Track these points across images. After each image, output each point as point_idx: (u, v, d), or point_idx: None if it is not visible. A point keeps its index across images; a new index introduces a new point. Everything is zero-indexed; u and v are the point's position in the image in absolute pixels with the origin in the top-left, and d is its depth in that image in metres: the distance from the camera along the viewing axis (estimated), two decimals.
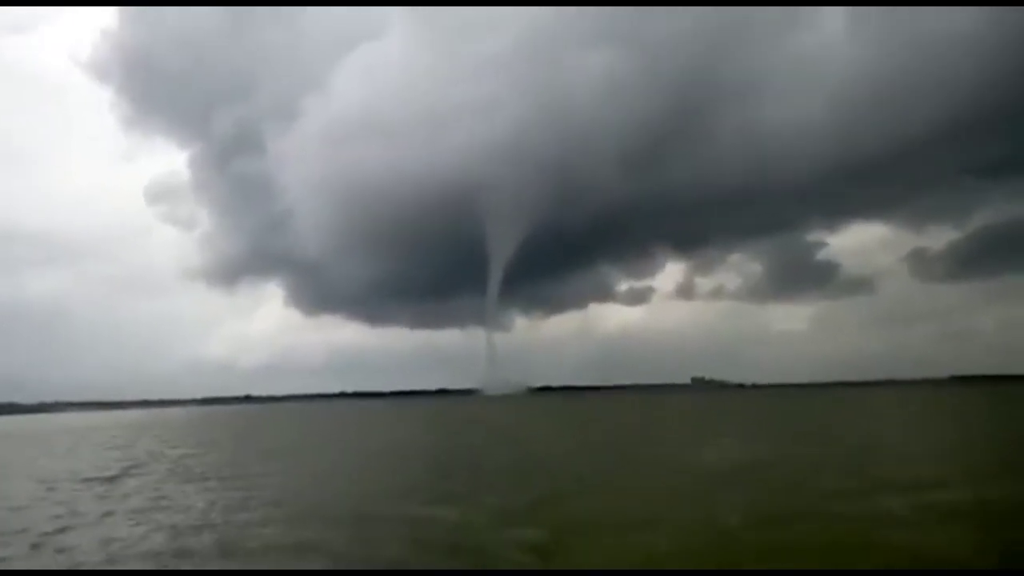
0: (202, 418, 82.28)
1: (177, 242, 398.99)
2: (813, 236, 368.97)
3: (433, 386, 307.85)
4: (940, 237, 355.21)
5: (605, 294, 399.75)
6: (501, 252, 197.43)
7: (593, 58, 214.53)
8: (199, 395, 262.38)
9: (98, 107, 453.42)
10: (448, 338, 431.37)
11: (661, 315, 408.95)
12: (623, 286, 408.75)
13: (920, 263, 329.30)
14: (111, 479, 19.11)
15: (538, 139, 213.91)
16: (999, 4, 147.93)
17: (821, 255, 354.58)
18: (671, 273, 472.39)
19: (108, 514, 13.21)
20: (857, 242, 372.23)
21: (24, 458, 29.46)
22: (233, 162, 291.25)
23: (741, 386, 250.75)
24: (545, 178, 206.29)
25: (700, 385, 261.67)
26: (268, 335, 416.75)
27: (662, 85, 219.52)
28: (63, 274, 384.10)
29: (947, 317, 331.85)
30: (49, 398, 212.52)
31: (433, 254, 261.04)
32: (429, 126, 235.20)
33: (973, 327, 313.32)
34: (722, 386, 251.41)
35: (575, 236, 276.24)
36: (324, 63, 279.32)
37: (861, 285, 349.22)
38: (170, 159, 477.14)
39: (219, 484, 17.42)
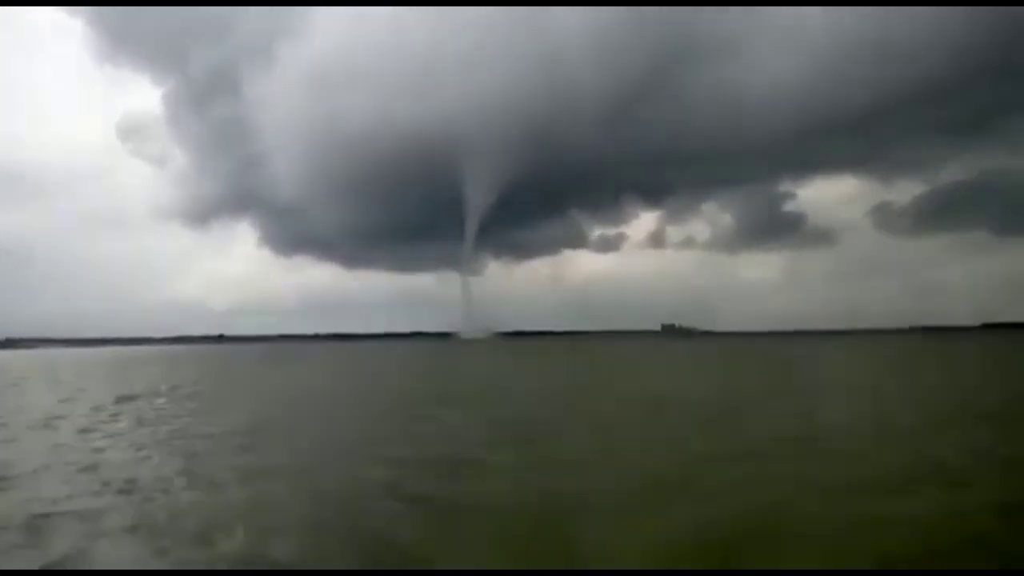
0: (169, 358, 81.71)
1: (149, 180, 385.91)
2: (783, 188, 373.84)
3: (407, 329, 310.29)
4: (906, 191, 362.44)
5: (578, 241, 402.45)
6: (478, 200, 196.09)
7: (578, 15, 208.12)
8: (171, 334, 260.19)
9: (68, 40, 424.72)
10: (422, 282, 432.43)
11: (632, 263, 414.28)
12: (595, 233, 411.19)
13: (885, 216, 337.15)
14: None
15: (520, 92, 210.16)
16: None
17: (789, 207, 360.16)
18: (644, 222, 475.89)
19: None
20: (825, 195, 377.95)
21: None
22: (209, 101, 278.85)
23: (709, 333, 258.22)
24: (525, 129, 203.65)
25: (669, 332, 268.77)
26: (241, 275, 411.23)
27: (643, 42, 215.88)
28: (31, 211, 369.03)
29: (911, 269, 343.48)
30: (16, 334, 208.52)
31: (409, 200, 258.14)
32: (412, 77, 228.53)
33: (936, 280, 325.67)
34: (690, 333, 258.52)
35: (550, 184, 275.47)
36: (304, 7, 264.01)
37: (827, 236, 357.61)
38: (143, 95, 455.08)
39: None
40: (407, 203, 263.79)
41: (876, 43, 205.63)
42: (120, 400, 23.09)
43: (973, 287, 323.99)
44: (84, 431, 15.43)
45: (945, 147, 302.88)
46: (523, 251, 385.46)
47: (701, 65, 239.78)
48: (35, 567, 6.04)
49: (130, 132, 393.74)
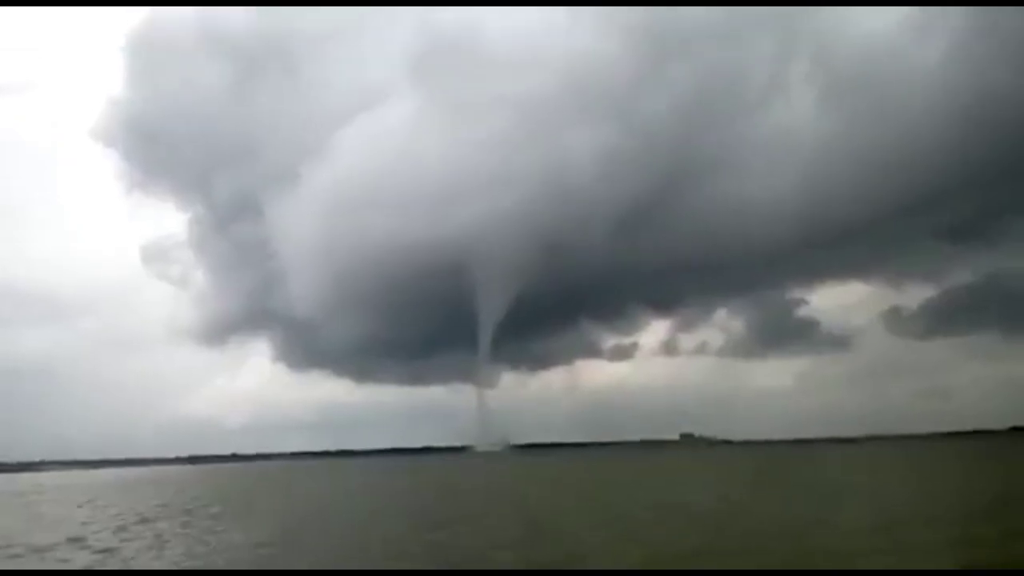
0: (180, 478, 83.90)
1: (170, 300, 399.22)
2: (793, 295, 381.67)
3: (419, 443, 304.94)
4: (915, 296, 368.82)
5: (591, 351, 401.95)
6: (491, 313, 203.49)
7: (588, 134, 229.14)
8: (184, 453, 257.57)
9: (101, 171, 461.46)
10: (433, 395, 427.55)
11: (646, 371, 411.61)
12: (608, 343, 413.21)
13: (896, 320, 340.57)
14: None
15: (531, 206, 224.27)
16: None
17: (801, 312, 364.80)
18: (655, 330, 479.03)
19: None
20: (835, 301, 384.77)
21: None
22: (231, 224, 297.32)
23: (728, 442, 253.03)
24: (536, 242, 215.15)
25: (689, 441, 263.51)
26: (254, 392, 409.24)
27: (649, 157, 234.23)
28: (54, 332, 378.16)
29: (924, 373, 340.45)
30: (34, 457, 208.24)
31: (421, 314, 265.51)
32: (427, 197, 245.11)
33: (950, 383, 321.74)
34: (710, 443, 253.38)
35: (562, 295, 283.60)
36: (326, 130, 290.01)
37: (841, 342, 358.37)
38: (169, 221, 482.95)
39: None
40: (421, 317, 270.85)
41: (870, 152, 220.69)
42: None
43: (992, 390, 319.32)
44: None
45: (951, 251, 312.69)
46: (537, 362, 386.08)
47: (704, 179, 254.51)
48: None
49: (154, 255, 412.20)
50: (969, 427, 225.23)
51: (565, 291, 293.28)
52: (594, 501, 29.93)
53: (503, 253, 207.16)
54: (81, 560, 16.22)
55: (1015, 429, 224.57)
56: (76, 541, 19.08)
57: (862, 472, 45.58)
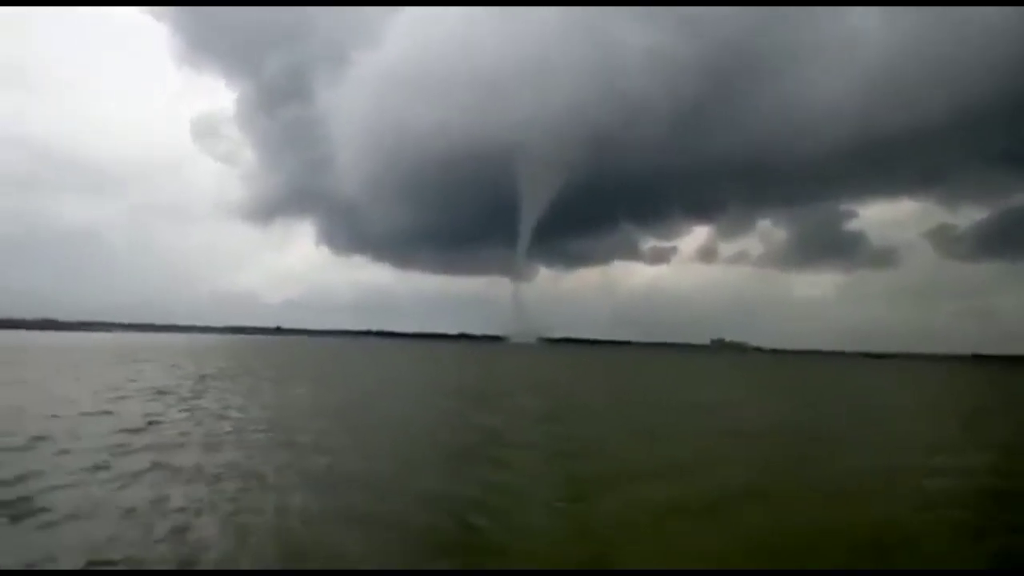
0: (233, 345, 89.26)
1: (218, 176, 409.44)
2: (842, 207, 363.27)
3: (455, 330, 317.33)
4: (967, 216, 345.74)
5: (629, 252, 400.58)
6: (534, 207, 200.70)
7: (640, 29, 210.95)
8: (228, 324, 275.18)
9: (153, 43, 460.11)
10: (472, 285, 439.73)
11: (683, 276, 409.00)
12: (647, 245, 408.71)
13: (944, 240, 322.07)
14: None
15: (580, 102, 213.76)
16: None
17: (849, 225, 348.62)
18: (696, 236, 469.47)
19: None
20: (885, 216, 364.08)
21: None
22: (281, 104, 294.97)
23: (759, 350, 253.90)
24: (582, 139, 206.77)
25: (719, 347, 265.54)
26: (298, 271, 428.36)
27: (703, 58, 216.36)
28: (105, 200, 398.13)
29: (968, 295, 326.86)
30: (85, 317, 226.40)
31: (464, 205, 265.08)
32: (476, 87, 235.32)
33: (993, 307, 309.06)
34: (741, 349, 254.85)
35: (604, 194, 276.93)
36: (377, 14, 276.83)
37: (885, 258, 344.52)
38: (219, 96, 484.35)
39: None
40: (463, 208, 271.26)
41: (934, 67, 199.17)
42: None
43: None
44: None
45: (1005, 174, 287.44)
46: (574, 260, 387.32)
47: (759, 80, 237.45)
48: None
49: (203, 131, 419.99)
50: (1010, 351, 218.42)
51: (608, 191, 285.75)
52: (613, 390, 32.13)
53: (549, 148, 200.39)
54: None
55: None
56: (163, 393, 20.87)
57: (879, 387, 44.35)
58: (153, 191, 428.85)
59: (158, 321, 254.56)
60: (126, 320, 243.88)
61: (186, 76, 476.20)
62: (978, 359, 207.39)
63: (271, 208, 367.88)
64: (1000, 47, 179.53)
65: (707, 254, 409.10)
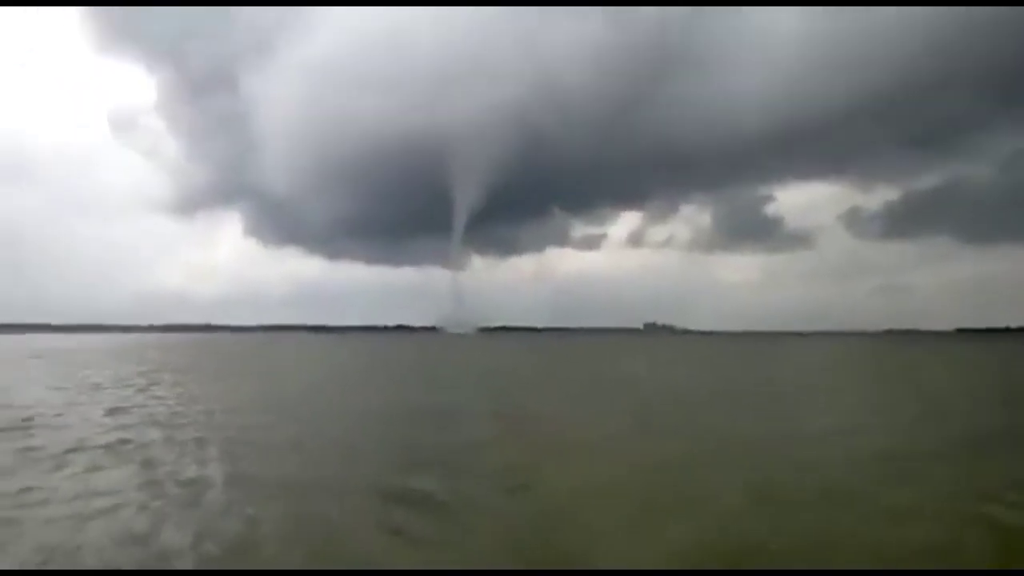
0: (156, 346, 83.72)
1: (138, 169, 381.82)
2: (760, 192, 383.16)
3: (391, 322, 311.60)
4: (878, 198, 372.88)
5: (561, 239, 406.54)
6: (468, 199, 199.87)
7: (575, 27, 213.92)
8: (158, 322, 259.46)
9: (66, 28, 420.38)
10: (408, 276, 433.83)
11: (614, 261, 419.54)
12: (579, 232, 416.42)
13: (856, 221, 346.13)
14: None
15: (512, 96, 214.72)
16: None
17: (767, 210, 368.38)
18: (625, 222, 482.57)
19: None
20: (801, 199, 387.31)
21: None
22: (204, 94, 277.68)
23: (689, 332, 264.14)
24: (514, 131, 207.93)
25: (651, 330, 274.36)
26: (227, 266, 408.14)
27: (632, 54, 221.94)
28: (19, 194, 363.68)
29: (880, 273, 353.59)
30: (9, 319, 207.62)
31: (398, 196, 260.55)
32: (411, 81, 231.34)
33: (904, 284, 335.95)
34: (672, 332, 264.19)
35: (536, 184, 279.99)
36: (308, 8, 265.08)
37: (802, 240, 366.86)
38: (138, 86, 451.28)
39: None
40: (395, 200, 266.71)
41: (845, 56, 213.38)
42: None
43: (942, 292, 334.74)
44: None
45: (914, 157, 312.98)
46: (508, 248, 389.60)
47: (680, 74, 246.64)
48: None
49: (122, 122, 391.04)
50: (921, 327, 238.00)
51: (540, 182, 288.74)
52: (547, 372, 34.89)
53: (481, 137, 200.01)
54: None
55: (961, 331, 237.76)
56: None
57: (789, 360, 47.02)
58: (71, 185, 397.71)
59: (86, 321, 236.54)
60: (52, 320, 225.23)
61: (104, 65, 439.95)
62: (890, 334, 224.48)
63: (195, 201, 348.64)
64: (907, 39, 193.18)
65: (636, 239, 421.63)
